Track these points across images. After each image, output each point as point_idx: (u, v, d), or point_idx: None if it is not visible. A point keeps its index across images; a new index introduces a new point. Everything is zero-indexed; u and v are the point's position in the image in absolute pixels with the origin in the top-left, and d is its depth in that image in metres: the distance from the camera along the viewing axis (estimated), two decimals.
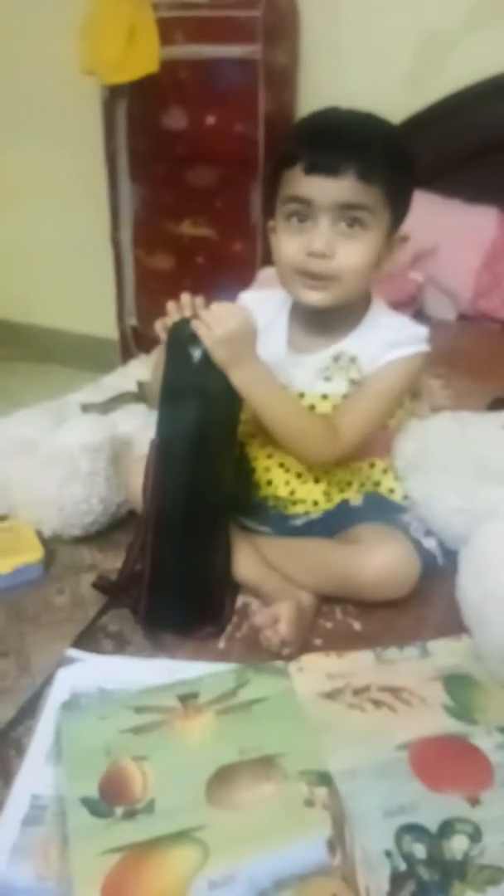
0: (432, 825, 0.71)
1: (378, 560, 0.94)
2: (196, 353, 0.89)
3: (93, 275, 2.47)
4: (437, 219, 1.86)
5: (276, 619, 0.91)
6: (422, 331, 1.02)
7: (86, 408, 1.34)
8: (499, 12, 1.84)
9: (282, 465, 1.06)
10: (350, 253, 0.93)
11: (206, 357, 0.89)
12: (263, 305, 1.04)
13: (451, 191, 1.90)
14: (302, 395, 1.01)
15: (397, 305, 1.68)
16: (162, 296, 2.48)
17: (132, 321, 2.42)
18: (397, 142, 0.96)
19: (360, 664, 0.90)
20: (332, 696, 0.85)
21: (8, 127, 2.46)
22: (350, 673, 0.88)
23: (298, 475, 1.04)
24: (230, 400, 0.93)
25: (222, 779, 0.75)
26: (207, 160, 2.12)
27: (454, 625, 0.94)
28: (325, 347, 1.01)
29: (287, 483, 1.04)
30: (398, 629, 0.96)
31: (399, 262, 1.05)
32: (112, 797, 0.74)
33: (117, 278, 2.38)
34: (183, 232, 2.22)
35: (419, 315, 1.89)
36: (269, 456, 1.06)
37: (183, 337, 0.90)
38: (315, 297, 0.97)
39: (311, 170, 0.90)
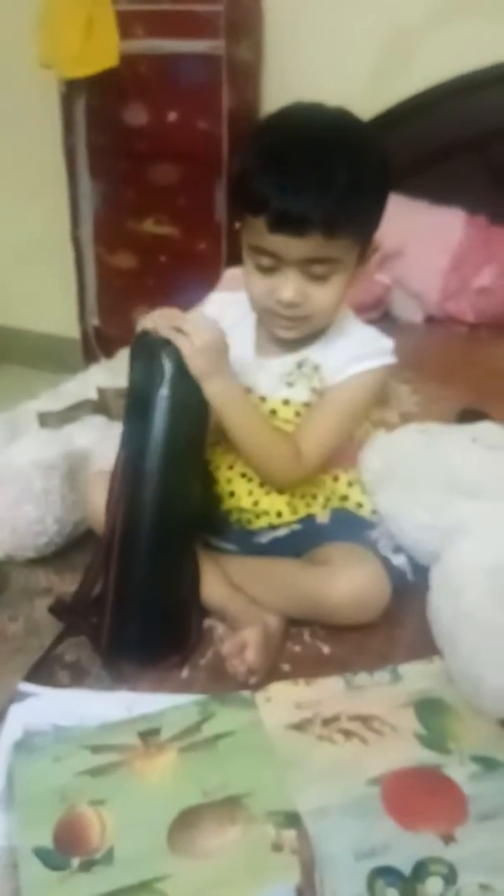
0: (406, 867, 0.68)
1: (348, 583, 0.91)
2: (167, 363, 0.86)
3: (53, 273, 2.40)
4: (403, 220, 1.81)
5: (244, 646, 0.87)
6: (387, 343, 0.99)
7: (43, 418, 1.29)
8: (464, 10, 1.81)
9: (244, 476, 1.02)
10: (320, 296, 0.91)
11: (178, 366, 0.85)
12: (232, 308, 1.02)
13: (417, 191, 1.87)
14: (264, 400, 0.99)
15: (364, 307, 1.66)
16: (124, 295, 2.43)
17: (94, 321, 2.36)
18: (366, 169, 0.87)
19: (329, 691, 0.86)
20: (300, 727, 0.82)
21: None
22: (319, 701, 0.85)
23: (261, 485, 1.01)
24: (200, 411, 0.89)
25: (185, 823, 0.72)
26: (170, 157, 2.07)
27: (426, 645, 0.91)
28: (289, 353, 0.99)
29: (250, 493, 1.01)
30: (369, 651, 0.92)
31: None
32: (68, 846, 0.70)
33: (78, 277, 2.32)
34: (145, 230, 2.17)
35: (386, 317, 1.87)
36: (231, 466, 1.03)
37: (152, 345, 0.86)
38: (285, 333, 0.97)
39: (274, 229, 0.86)
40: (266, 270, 0.90)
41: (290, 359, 0.99)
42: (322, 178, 0.83)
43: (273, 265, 0.89)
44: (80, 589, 0.90)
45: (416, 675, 0.88)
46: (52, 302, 2.48)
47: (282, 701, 0.85)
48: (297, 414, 0.99)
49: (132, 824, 0.71)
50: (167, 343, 0.87)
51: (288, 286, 0.89)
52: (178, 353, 0.86)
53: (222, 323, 1.02)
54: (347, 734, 0.81)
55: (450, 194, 1.88)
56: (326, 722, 0.82)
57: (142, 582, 0.88)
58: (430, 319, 1.90)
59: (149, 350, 0.87)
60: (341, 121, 0.89)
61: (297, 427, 0.98)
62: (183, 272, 2.11)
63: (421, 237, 1.87)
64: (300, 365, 0.99)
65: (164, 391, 0.87)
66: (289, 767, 0.77)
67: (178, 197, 2.10)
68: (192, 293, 1.98)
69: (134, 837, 0.70)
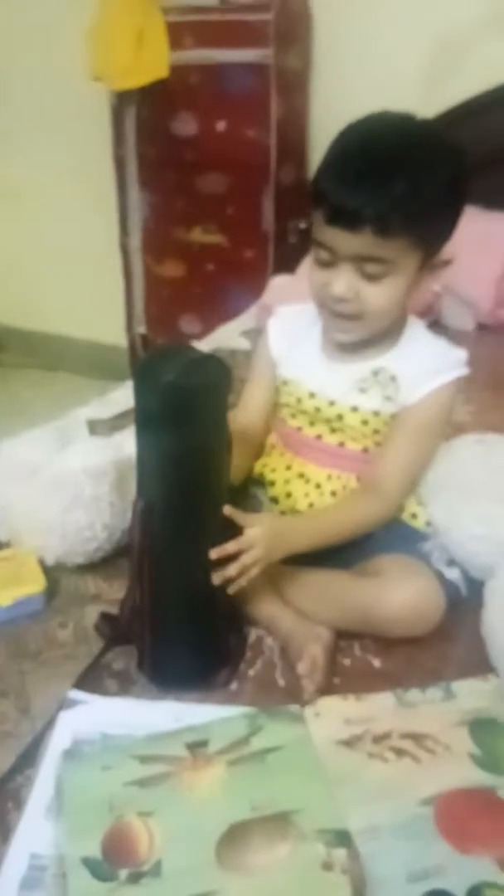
0: (460, 891, 0.66)
1: (401, 595, 0.89)
2: (166, 381, 0.80)
3: (102, 282, 2.43)
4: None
5: (315, 665, 0.86)
6: (461, 354, 0.99)
7: (92, 425, 1.30)
8: None
9: (301, 476, 1.03)
10: (373, 296, 0.91)
11: (179, 384, 0.80)
12: (298, 318, 1.05)
13: (468, 197, 1.84)
14: (332, 403, 0.99)
15: (415, 314, 1.63)
16: (171, 303, 2.45)
17: (141, 329, 2.38)
18: (430, 179, 0.85)
19: (380, 708, 0.84)
20: (350, 744, 0.80)
21: (16, 133, 2.43)
22: (370, 718, 0.83)
23: (318, 486, 1.01)
24: (217, 419, 0.84)
25: (234, 838, 0.70)
26: (218, 166, 2.08)
27: (480, 662, 0.89)
28: (363, 360, 0.99)
29: (306, 495, 1.01)
30: (420, 666, 0.90)
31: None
32: (116, 858, 0.69)
33: (126, 286, 2.34)
34: (193, 239, 2.18)
35: (436, 325, 1.84)
36: (289, 467, 1.04)
37: (155, 366, 0.83)
38: (341, 336, 0.98)
39: (330, 221, 0.88)
40: (324, 264, 0.91)
41: (365, 366, 0.99)
42: (379, 179, 0.84)
43: (329, 259, 0.90)
44: (124, 602, 0.89)
45: (471, 694, 0.86)
46: (100, 310, 2.51)
47: (331, 716, 0.83)
48: (364, 422, 0.99)
49: (181, 837, 0.70)
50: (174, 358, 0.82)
51: (340, 280, 0.90)
52: (183, 367, 0.81)
53: (289, 333, 1.05)
54: (399, 752, 0.79)
55: (501, 200, 1.85)
56: (377, 739, 0.80)
57: (175, 596, 0.87)
58: (481, 327, 1.87)
59: (148, 373, 0.83)
60: (415, 129, 0.90)
61: (377, 456, 0.99)
62: (230, 280, 2.11)
63: (472, 243, 1.79)
64: (376, 373, 0.98)
65: (165, 412, 0.81)
66: (338, 785, 0.75)
67: (226, 206, 2.11)
68: (238, 301, 1.99)
69: (182, 850, 0.69)
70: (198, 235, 2.18)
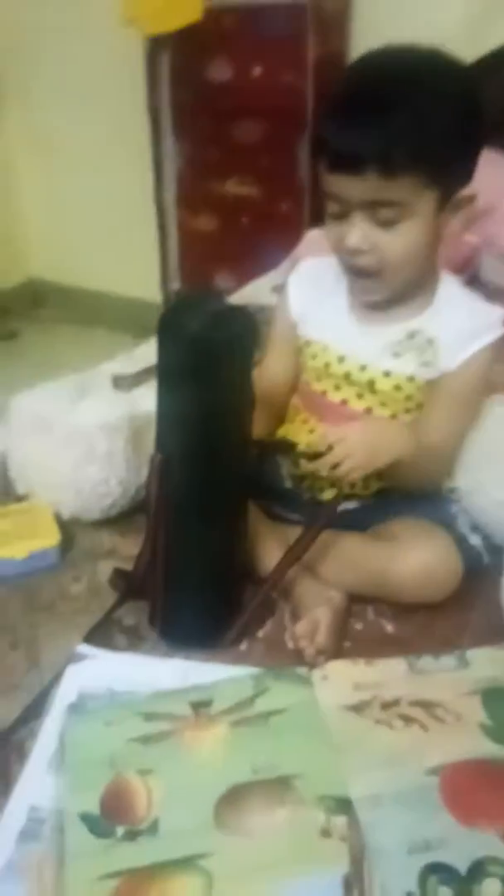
0: (462, 865, 0.64)
1: (416, 559, 0.86)
2: (189, 334, 0.78)
3: (137, 236, 2.40)
4: (493, 176, 1.69)
5: (316, 627, 0.84)
6: (499, 313, 0.93)
7: (117, 381, 1.28)
8: None
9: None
10: (391, 244, 0.85)
11: (203, 337, 0.77)
12: (325, 273, 0.98)
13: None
14: (363, 368, 0.95)
15: (450, 269, 1.57)
16: (206, 258, 2.40)
17: (176, 285, 2.35)
18: (439, 109, 0.80)
19: (390, 673, 0.82)
20: (358, 709, 0.78)
21: (48, 85, 2.39)
22: (379, 683, 0.81)
23: None
24: (238, 379, 0.82)
25: (233, 800, 0.69)
26: (253, 113, 2.02)
27: (498, 631, 0.86)
28: (397, 321, 0.94)
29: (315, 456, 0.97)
30: (435, 633, 0.88)
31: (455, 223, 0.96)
32: (114, 814, 0.69)
33: (161, 240, 2.31)
34: (227, 191, 2.13)
35: (474, 281, 1.76)
36: (312, 430, 0.99)
37: (175, 321, 0.80)
38: (365, 297, 0.93)
39: (333, 167, 0.83)
40: (336, 217, 0.86)
41: (400, 328, 0.93)
42: (378, 114, 0.79)
43: (340, 210, 0.85)
44: (138, 557, 0.88)
45: (485, 662, 0.83)
46: (135, 266, 2.48)
47: (339, 680, 0.81)
48: (397, 388, 0.94)
49: (179, 796, 0.70)
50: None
51: (353, 231, 0.85)
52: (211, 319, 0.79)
53: (313, 289, 1.00)
54: (407, 720, 0.77)
55: None
56: (386, 705, 0.78)
57: (190, 553, 0.85)
58: None
59: (175, 321, 0.81)
60: (420, 60, 0.83)
61: (425, 422, 0.94)
62: (264, 234, 2.06)
63: None
64: (412, 336, 0.93)
65: (189, 364, 0.79)
66: (342, 751, 0.73)
67: (261, 156, 2.05)
68: (273, 256, 1.94)
69: (180, 810, 0.69)
70: (232, 187, 2.13)
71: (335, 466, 0.84)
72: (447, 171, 0.84)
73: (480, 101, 0.85)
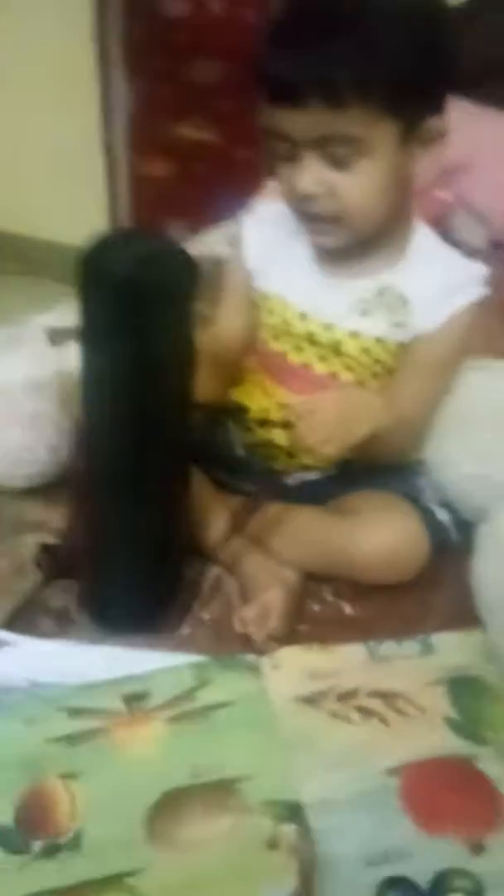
0: (423, 879, 0.57)
1: (379, 537, 0.79)
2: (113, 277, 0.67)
3: (84, 182, 2.24)
4: (471, 130, 1.60)
5: (268, 612, 0.76)
6: (479, 269, 0.85)
7: (52, 334, 1.17)
8: None
9: (283, 407, 0.87)
10: (348, 186, 0.75)
11: (130, 280, 0.66)
12: (281, 217, 0.86)
13: (489, 98, 1.66)
14: (328, 328, 0.85)
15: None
16: (159, 206, 2.25)
17: None
18: (393, 30, 0.71)
19: (348, 661, 0.75)
20: (312, 701, 0.70)
21: None
22: (336, 672, 0.73)
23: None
24: (175, 331, 0.71)
25: (168, 808, 0.61)
26: (212, 52, 1.88)
27: (465, 615, 0.78)
28: (364, 275, 0.84)
29: (286, 426, 0.88)
30: (397, 616, 0.80)
31: (425, 175, 0.86)
32: (31, 826, 0.60)
33: (110, 186, 2.16)
34: (183, 135, 1.99)
35: (446, 240, 1.68)
36: (269, 395, 0.90)
37: (96, 262, 0.68)
38: (323, 241, 0.82)
39: (273, 101, 0.72)
40: (285, 160, 0.76)
41: (369, 283, 0.84)
42: (320, 36, 0.69)
43: (289, 151, 0.75)
44: (67, 533, 0.78)
45: (452, 648, 0.76)
46: (82, 213, 2.32)
47: (292, 668, 0.73)
48: (366, 351, 0.84)
49: (107, 804, 0.61)
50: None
51: (303, 174, 0.74)
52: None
53: (271, 237, 0.88)
54: (366, 713, 0.69)
55: None
56: (342, 697, 0.70)
57: (123, 528, 0.75)
58: (497, 245, 1.70)
59: (96, 262, 0.68)
60: None
61: (396, 390, 0.85)
62: (222, 181, 1.92)
63: (490, 150, 1.65)
64: (382, 293, 0.83)
65: (115, 315, 0.68)
66: (294, 749, 0.66)
67: (220, 98, 1.91)
68: (231, 205, 1.83)
69: (107, 820, 0.60)
70: (188, 131, 1.99)
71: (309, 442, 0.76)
72: (406, 99, 0.73)
73: (447, 22, 0.77)
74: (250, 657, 0.74)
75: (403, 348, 0.84)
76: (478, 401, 0.89)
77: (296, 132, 0.72)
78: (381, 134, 0.73)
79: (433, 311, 0.82)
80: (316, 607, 0.82)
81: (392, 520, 0.81)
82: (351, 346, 0.84)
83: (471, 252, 1.63)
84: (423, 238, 0.86)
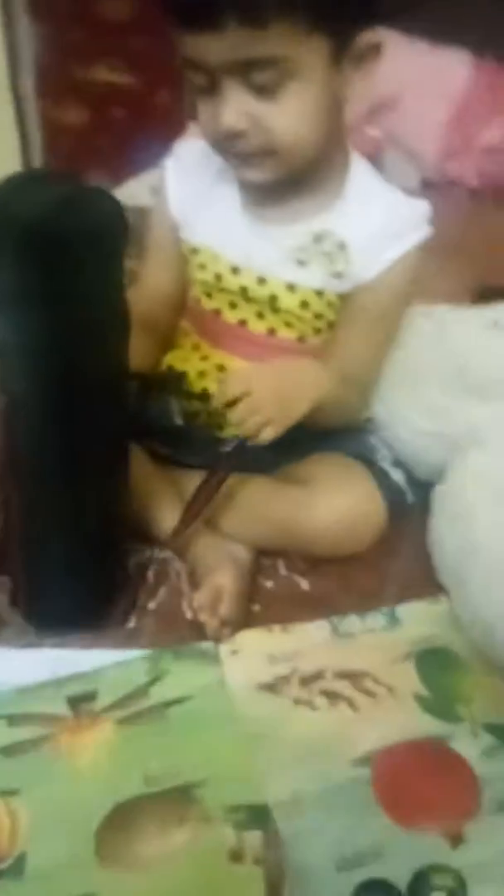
0: (401, 879, 0.53)
1: (333, 507, 0.73)
2: (26, 225, 0.57)
3: None
4: (397, 63, 1.50)
5: (219, 596, 0.70)
6: (422, 207, 0.77)
7: None
8: None
9: (221, 369, 0.81)
10: (276, 117, 0.66)
11: (47, 228, 0.57)
12: (205, 159, 0.77)
13: (415, 28, 1.58)
14: (262, 281, 0.77)
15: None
16: (75, 156, 2.09)
17: None
18: None
19: (311, 640, 0.70)
20: (274, 687, 0.65)
21: None
22: (298, 653, 0.68)
23: None
24: (106, 288, 0.62)
25: (120, 822, 0.56)
26: None
27: (427, 580, 0.75)
28: (299, 220, 0.76)
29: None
30: (357, 587, 0.75)
31: (355, 109, 0.78)
32: None
33: (21, 136, 2.01)
34: (96, 78, 1.86)
35: None
36: (205, 358, 0.83)
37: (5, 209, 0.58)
38: (251, 174, 0.72)
39: (185, 24, 0.63)
40: (204, 92, 0.67)
41: (303, 228, 0.76)
42: None
43: (206, 83, 0.66)
44: None
45: (418, 619, 0.72)
46: None
47: (252, 653, 0.68)
48: (304, 305, 0.77)
49: (52, 823, 0.56)
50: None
51: (225, 107, 0.65)
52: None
53: (195, 181, 0.80)
54: (332, 697, 0.65)
55: (453, 33, 1.58)
56: (306, 680, 0.66)
57: (55, 515, 0.67)
58: (427, 184, 1.64)
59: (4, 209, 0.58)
60: None
61: (334, 347, 0.78)
62: (141, 127, 1.81)
63: (418, 84, 1.59)
64: (318, 239, 0.76)
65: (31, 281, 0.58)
66: (256, 744, 0.61)
67: (134, 36, 1.78)
68: (152, 152, 1.72)
69: (53, 841, 0.55)
70: (102, 74, 1.86)
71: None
72: (335, 10, 0.65)
73: None
74: (206, 645, 0.68)
75: (344, 299, 0.78)
76: (426, 350, 0.84)
77: (212, 59, 0.64)
78: (309, 53, 0.64)
79: (373, 258, 0.75)
80: (269, 584, 0.76)
81: (346, 485, 0.75)
82: (288, 301, 0.77)
83: (402, 191, 1.59)
84: (360, 174, 0.78)
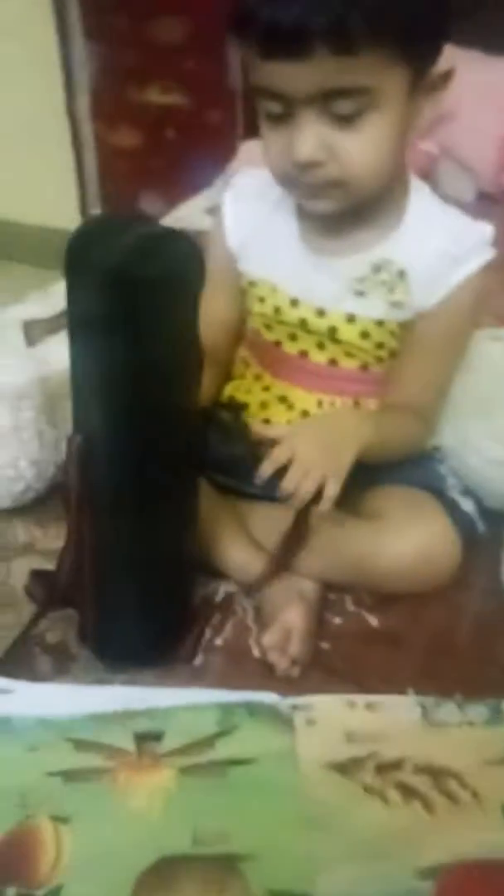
0: None
1: (409, 543, 0.71)
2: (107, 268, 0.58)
3: (48, 155, 2.12)
4: (455, 77, 1.53)
5: (289, 635, 0.68)
6: (485, 230, 0.75)
7: (29, 328, 1.07)
8: None
9: (283, 400, 0.81)
10: (355, 148, 0.66)
11: (127, 271, 0.57)
12: (267, 186, 0.76)
13: (472, 39, 1.55)
14: (321, 313, 0.76)
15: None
16: (129, 178, 2.13)
17: (96, 209, 2.10)
18: None
19: (397, 723, 0.64)
20: (346, 769, 0.60)
21: None
22: (380, 735, 0.62)
23: (304, 413, 0.80)
24: (179, 329, 0.62)
25: (160, 877, 0.53)
26: (175, 8, 1.76)
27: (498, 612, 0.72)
28: (358, 250, 0.75)
29: (289, 422, 0.80)
30: (427, 622, 0.73)
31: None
32: (9, 870, 0.53)
33: (77, 159, 2.05)
34: (150, 100, 1.87)
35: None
36: (267, 388, 0.82)
37: (88, 252, 0.60)
38: (320, 205, 0.71)
39: (268, 52, 0.62)
40: (277, 120, 0.66)
41: (363, 258, 0.75)
42: None
43: (282, 110, 0.65)
44: (62, 555, 0.70)
45: None
46: (48, 189, 2.20)
47: (329, 728, 0.63)
48: (364, 335, 0.76)
49: (95, 860, 0.54)
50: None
51: (303, 137, 0.65)
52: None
53: (253, 213, 0.79)
54: (407, 792, 0.58)
55: None
56: (382, 768, 0.60)
57: (126, 551, 0.66)
58: (483, 196, 1.61)
59: (87, 252, 0.60)
60: None
61: (398, 375, 0.77)
62: (194, 148, 1.82)
63: (474, 97, 1.54)
64: (378, 269, 0.75)
65: (109, 310, 0.59)
66: (316, 827, 0.56)
67: (186, 58, 1.80)
68: (205, 173, 1.72)
69: (92, 879, 0.52)
70: (154, 95, 1.87)
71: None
72: (417, 39, 0.64)
73: None
74: (285, 705, 0.64)
75: (406, 327, 0.76)
76: (497, 376, 0.81)
77: (296, 88, 0.63)
78: (392, 82, 0.64)
79: (434, 286, 0.74)
80: (338, 620, 0.74)
81: (418, 519, 0.73)
82: (348, 332, 0.76)
83: (458, 205, 1.56)
84: (420, 201, 0.77)
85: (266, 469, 0.67)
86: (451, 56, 1.56)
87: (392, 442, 0.75)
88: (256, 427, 0.72)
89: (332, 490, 0.66)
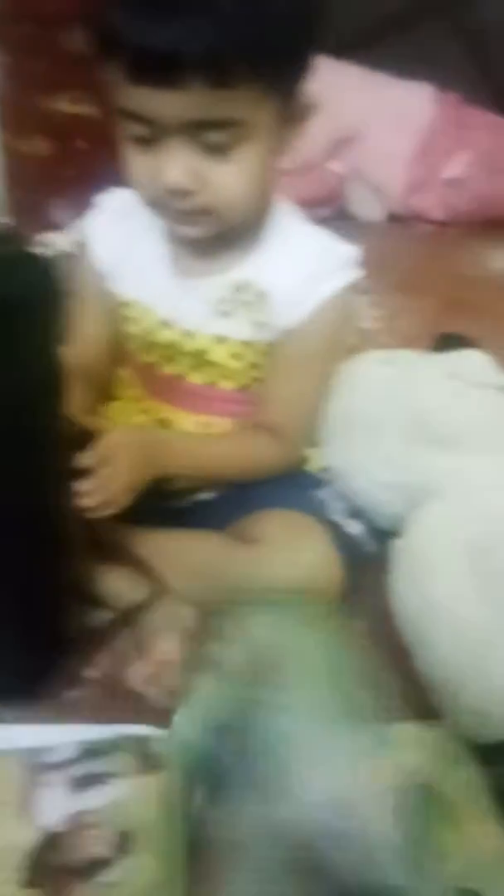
0: None
1: (287, 570, 0.70)
2: None
3: None
4: (361, 97, 1.55)
5: (164, 666, 0.66)
6: (348, 251, 0.75)
7: None
8: None
9: (163, 423, 0.80)
10: (222, 178, 0.65)
11: None
12: (132, 209, 0.75)
13: (378, 62, 1.59)
14: (190, 335, 0.75)
15: (313, 203, 1.39)
16: (39, 188, 2.06)
17: (3, 218, 2.05)
18: None
19: None
20: None
21: None
22: None
23: None
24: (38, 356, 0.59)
25: None
26: (84, 19, 1.73)
27: (385, 636, 0.71)
28: (221, 271, 0.75)
29: None
30: None
31: (315, 147, 0.77)
32: None
33: None
34: (59, 109, 1.84)
35: (341, 215, 1.60)
36: (146, 411, 0.80)
37: None
38: (190, 231, 0.71)
39: (137, 77, 0.60)
40: (144, 143, 0.64)
41: (224, 280, 0.74)
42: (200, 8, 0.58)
43: (151, 135, 0.63)
44: None
45: (410, 744, 0.53)
46: None
47: None
48: (236, 356, 0.76)
49: None
50: None
51: (172, 164, 0.63)
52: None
53: (122, 232, 0.78)
54: None
55: (417, 66, 1.58)
56: None
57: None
58: (392, 217, 1.63)
59: None
60: None
61: (264, 395, 0.77)
62: (106, 159, 1.78)
63: (382, 118, 1.58)
64: (239, 289, 0.74)
65: None
66: None
67: (96, 69, 1.77)
68: (116, 183, 1.70)
69: None
70: (65, 105, 1.84)
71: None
72: (288, 73, 0.64)
73: None
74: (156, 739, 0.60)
75: (272, 347, 0.76)
76: (385, 398, 0.81)
77: (165, 116, 0.61)
78: (263, 116, 0.63)
79: (297, 305, 0.74)
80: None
81: (298, 542, 0.72)
82: (218, 353, 0.75)
83: (367, 226, 1.58)
84: (284, 222, 0.76)
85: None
86: (360, 77, 1.60)
87: (224, 467, 0.76)
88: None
89: (117, 497, 0.66)
